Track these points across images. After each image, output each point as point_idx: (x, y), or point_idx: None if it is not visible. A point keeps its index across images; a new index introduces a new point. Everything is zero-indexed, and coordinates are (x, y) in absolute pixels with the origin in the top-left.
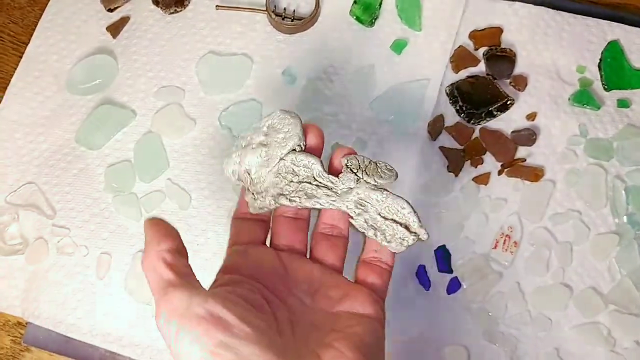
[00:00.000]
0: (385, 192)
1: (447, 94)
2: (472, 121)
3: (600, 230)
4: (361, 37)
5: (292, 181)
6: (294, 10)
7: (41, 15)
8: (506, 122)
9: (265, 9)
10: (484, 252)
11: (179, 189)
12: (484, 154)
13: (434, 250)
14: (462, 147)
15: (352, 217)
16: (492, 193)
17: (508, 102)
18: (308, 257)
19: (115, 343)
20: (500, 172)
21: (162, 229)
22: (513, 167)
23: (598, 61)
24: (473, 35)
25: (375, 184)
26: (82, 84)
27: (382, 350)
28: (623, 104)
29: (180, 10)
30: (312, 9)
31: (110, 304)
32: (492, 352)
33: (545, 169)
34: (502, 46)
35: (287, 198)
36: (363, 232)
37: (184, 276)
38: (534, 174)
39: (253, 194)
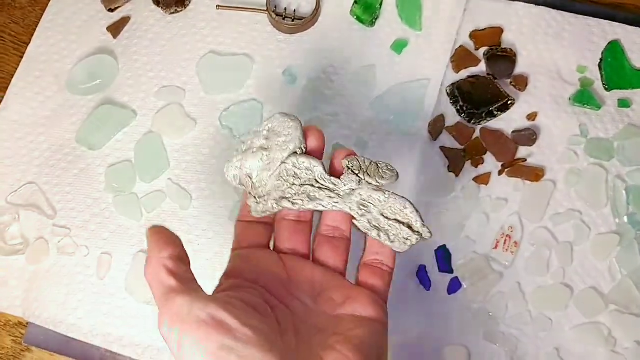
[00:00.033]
0: (387, 193)
1: (447, 94)
2: (472, 121)
3: (601, 230)
4: (362, 37)
5: (294, 184)
6: (295, 10)
7: (42, 15)
8: (507, 122)
9: (265, 8)
10: (484, 252)
11: (179, 189)
12: (485, 154)
13: (435, 250)
14: (462, 147)
15: (355, 219)
16: (492, 193)
17: (509, 102)
18: (311, 259)
19: (115, 343)
20: (500, 172)
21: (164, 237)
22: (514, 167)
23: (599, 61)
24: (474, 35)
25: (377, 184)
26: (82, 84)
27: (384, 353)
28: (624, 103)
29: (181, 10)
30: (312, 9)
31: (111, 304)
32: (493, 352)
33: (546, 169)
34: (503, 46)
35: (289, 201)
36: (366, 233)
37: (186, 282)
38: (535, 174)
39: (255, 197)
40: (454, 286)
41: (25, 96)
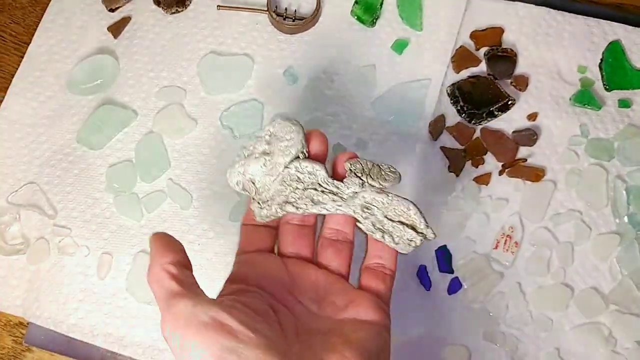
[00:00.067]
0: (390, 195)
1: (448, 94)
2: (473, 121)
3: (602, 230)
4: (362, 37)
5: (297, 188)
6: (295, 11)
7: (42, 15)
8: (507, 122)
9: (266, 9)
10: (485, 252)
11: (180, 189)
12: (485, 154)
13: (435, 251)
14: (463, 147)
15: (359, 221)
16: (493, 193)
17: (509, 102)
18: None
19: (116, 343)
20: (501, 172)
21: (167, 243)
22: (514, 167)
23: (599, 61)
24: (474, 35)
25: (380, 186)
26: (83, 84)
27: (387, 356)
28: (624, 104)
29: (182, 10)
30: (313, 9)
31: (112, 304)
32: (493, 352)
33: (546, 169)
34: (503, 46)
35: (293, 205)
36: (370, 235)
37: (188, 286)
38: (535, 174)
39: (259, 202)
40: (454, 286)
41: (25, 96)
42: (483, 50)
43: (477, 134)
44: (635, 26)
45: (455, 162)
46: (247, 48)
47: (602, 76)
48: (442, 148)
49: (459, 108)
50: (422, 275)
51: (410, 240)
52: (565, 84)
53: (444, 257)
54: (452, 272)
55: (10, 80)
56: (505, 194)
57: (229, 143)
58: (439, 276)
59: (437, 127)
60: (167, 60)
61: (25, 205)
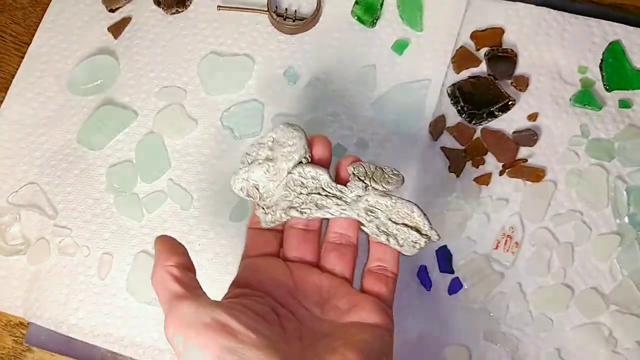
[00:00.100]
0: (394, 198)
1: (448, 94)
2: (473, 121)
3: (602, 230)
4: (362, 38)
5: (301, 193)
6: (296, 11)
7: (43, 15)
8: (507, 123)
9: (266, 9)
10: (485, 252)
11: (180, 190)
12: (485, 155)
13: (435, 251)
14: (463, 148)
15: (363, 225)
16: (493, 193)
17: (509, 103)
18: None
19: (116, 343)
20: (501, 173)
21: (170, 246)
22: (514, 167)
23: (599, 61)
24: (474, 35)
25: (384, 189)
26: (83, 84)
27: (389, 358)
28: (624, 104)
29: (182, 11)
30: (313, 9)
31: (112, 304)
32: (494, 353)
33: (547, 170)
34: (504, 46)
35: (297, 210)
36: (375, 238)
37: (191, 289)
38: (536, 174)
39: (263, 208)
40: (455, 286)
41: (26, 96)
42: (483, 50)
43: (478, 134)
44: (636, 26)
45: (456, 163)
46: (247, 48)
47: (603, 76)
48: (443, 148)
49: (459, 108)
50: (423, 276)
51: (415, 242)
52: (565, 84)
53: (444, 257)
54: (452, 272)
55: (11, 81)
56: (506, 194)
57: (229, 143)
58: (440, 276)
59: (437, 127)
60: (168, 60)
61: (26, 206)
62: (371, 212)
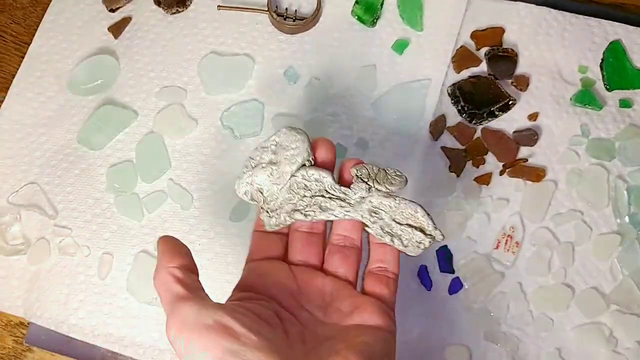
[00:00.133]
0: (397, 198)
1: (448, 94)
2: (473, 121)
3: (602, 230)
4: (363, 37)
5: (305, 196)
6: (296, 11)
7: (43, 15)
8: (508, 122)
9: (267, 9)
10: (485, 252)
11: (180, 189)
12: (486, 154)
13: (436, 251)
14: (463, 147)
15: (367, 226)
16: (493, 193)
17: (510, 102)
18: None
19: (117, 343)
20: (502, 172)
21: (173, 247)
22: (515, 167)
23: (600, 61)
24: (475, 35)
25: (387, 191)
26: (84, 84)
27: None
28: (625, 104)
29: (182, 11)
30: (313, 9)
31: (112, 304)
32: (494, 352)
33: (547, 169)
34: (504, 46)
35: (301, 213)
36: (380, 239)
37: (194, 290)
38: (536, 174)
39: (267, 211)
40: (455, 286)
41: (26, 96)
42: (484, 50)
43: (478, 134)
44: (637, 26)
45: (456, 162)
46: (247, 48)
47: (603, 76)
48: (443, 148)
49: (459, 108)
50: (423, 276)
51: (419, 243)
52: (566, 84)
53: (444, 257)
54: (453, 272)
55: (11, 81)
56: (506, 194)
57: (229, 143)
58: (440, 276)
59: (437, 127)
60: (168, 60)
61: (26, 206)
62: (375, 213)
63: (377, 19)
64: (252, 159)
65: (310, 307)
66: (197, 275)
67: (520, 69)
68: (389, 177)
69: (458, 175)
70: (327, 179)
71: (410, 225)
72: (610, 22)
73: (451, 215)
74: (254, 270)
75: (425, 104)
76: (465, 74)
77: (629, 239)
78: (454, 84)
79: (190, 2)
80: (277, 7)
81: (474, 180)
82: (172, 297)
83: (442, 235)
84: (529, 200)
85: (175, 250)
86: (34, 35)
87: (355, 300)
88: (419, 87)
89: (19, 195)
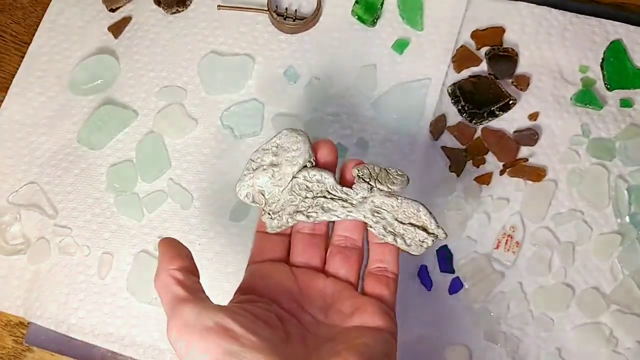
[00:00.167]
0: (400, 198)
1: (449, 93)
2: (474, 121)
3: (603, 230)
4: (363, 37)
5: (306, 197)
6: (296, 10)
7: (43, 15)
8: (508, 122)
9: (267, 8)
10: (486, 252)
11: (180, 189)
12: (486, 154)
13: (436, 251)
14: (464, 147)
15: (370, 226)
16: (494, 193)
17: (510, 102)
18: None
19: (117, 343)
20: (502, 172)
21: (174, 249)
22: (515, 167)
23: (600, 61)
24: (475, 34)
25: (389, 190)
26: (84, 84)
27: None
28: (626, 103)
29: (182, 10)
30: (313, 8)
31: (112, 304)
32: (494, 352)
33: (548, 169)
34: (505, 46)
35: (303, 214)
36: (383, 239)
37: (194, 292)
38: (536, 173)
39: (269, 213)
40: (455, 286)
41: (26, 96)
42: (484, 49)
43: (478, 133)
44: (637, 25)
45: (456, 162)
46: (247, 48)
47: (604, 76)
48: (443, 148)
49: (459, 108)
50: (423, 275)
51: (422, 242)
52: (566, 84)
53: (445, 257)
54: (453, 272)
55: (11, 80)
56: (507, 193)
57: (229, 143)
58: (440, 276)
59: (438, 126)
60: (168, 60)
61: (26, 205)
62: (377, 213)
63: (377, 19)
64: (253, 161)
65: (311, 309)
66: (198, 277)
67: (520, 69)
68: (391, 176)
69: (458, 175)
70: (329, 179)
71: (412, 224)
72: (611, 21)
73: (451, 215)
74: (255, 272)
75: (425, 103)
76: (466, 73)
77: (630, 239)
78: (454, 84)
79: (190, 2)
80: (277, 6)
81: (474, 180)
82: (173, 299)
83: (445, 233)
84: (529, 200)
85: (175, 252)
86: (34, 35)
87: (356, 301)
88: (419, 87)
89: (18, 195)
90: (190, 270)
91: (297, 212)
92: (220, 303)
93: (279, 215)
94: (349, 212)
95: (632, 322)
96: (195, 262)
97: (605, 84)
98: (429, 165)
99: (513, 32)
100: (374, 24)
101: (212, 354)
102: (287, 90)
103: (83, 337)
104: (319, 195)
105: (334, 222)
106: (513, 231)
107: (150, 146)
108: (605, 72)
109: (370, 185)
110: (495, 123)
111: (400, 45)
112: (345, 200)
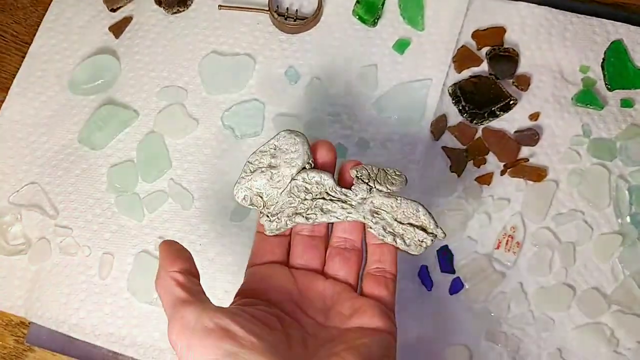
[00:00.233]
0: (399, 198)
1: (449, 93)
2: (474, 121)
3: (604, 230)
4: (364, 37)
5: (305, 199)
6: (297, 10)
7: (44, 15)
8: (509, 122)
9: (267, 8)
10: (486, 252)
11: (181, 189)
12: (487, 154)
13: (437, 251)
14: (464, 147)
15: (370, 227)
16: (494, 193)
17: (511, 102)
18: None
19: (117, 343)
20: (503, 172)
21: (175, 251)
22: (516, 167)
23: (601, 61)
24: (476, 35)
25: (388, 190)
26: (84, 84)
27: None
28: (626, 103)
29: (183, 10)
30: (314, 8)
31: (113, 304)
32: (495, 353)
33: (548, 169)
34: (505, 46)
35: (302, 216)
36: (382, 239)
37: (195, 294)
38: (537, 174)
39: (268, 216)
40: (456, 286)
41: (27, 96)
42: (485, 50)
43: (479, 133)
44: (638, 25)
45: (457, 162)
46: (248, 48)
47: (605, 76)
48: (444, 148)
49: (460, 108)
50: (424, 276)
51: (422, 242)
52: (567, 84)
53: (445, 257)
54: (453, 272)
55: (12, 80)
56: (507, 194)
57: (230, 143)
58: (441, 276)
59: (438, 127)
60: (169, 60)
61: (27, 206)
62: (377, 213)
63: (378, 19)
64: (251, 163)
65: (311, 311)
66: (199, 278)
67: (521, 69)
68: (389, 177)
69: (459, 175)
70: (328, 181)
71: (412, 225)
72: (612, 21)
73: (452, 215)
74: (255, 275)
75: (426, 103)
76: (466, 73)
77: (630, 239)
78: (455, 84)
79: (191, 2)
80: (278, 6)
81: (475, 180)
82: (174, 301)
83: (444, 233)
84: (530, 200)
85: (176, 254)
86: (34, 35)
87: (355, 302)
88: (420, 87)
89: (19, 195)
90: (191, 272)
91: (296, 214)
92: (221, 303)
93: (277, 218)
94: (348, 213)
95: (633, 323)
96: (196, 262)
97: (605, 84)
98: (429, 166)
99: (514, 32)
100: (374, 24)
101: (212, 355)
102: (287, 90)
103: (84, 337)
104: (318, 196)
105: (332, 223)
106: (514, 231)
107: (151, 146)
108: (605, 72)
109: (369, 186)
110: (496, 123)
111: (401, 46)
112: (345, 202)
